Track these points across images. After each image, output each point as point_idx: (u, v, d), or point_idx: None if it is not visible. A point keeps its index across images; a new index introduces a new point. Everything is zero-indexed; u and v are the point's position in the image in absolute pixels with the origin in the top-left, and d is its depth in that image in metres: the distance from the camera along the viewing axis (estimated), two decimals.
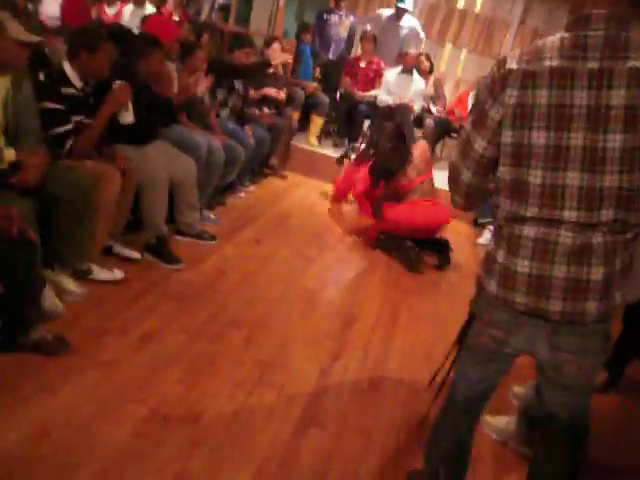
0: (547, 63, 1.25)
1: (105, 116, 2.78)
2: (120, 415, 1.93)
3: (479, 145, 1.37)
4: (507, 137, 1.32)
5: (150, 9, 5.48)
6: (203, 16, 7.14)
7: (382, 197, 4.13)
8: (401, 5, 6.06)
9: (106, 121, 2.79)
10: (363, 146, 4.78)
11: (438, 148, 6.31)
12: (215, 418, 2.03)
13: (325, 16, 6.25)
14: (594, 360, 1.40)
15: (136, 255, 3.02)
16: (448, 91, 6.84)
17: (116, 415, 1.93)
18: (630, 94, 1.20)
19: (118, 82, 2.81)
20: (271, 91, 4.95)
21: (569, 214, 1.28)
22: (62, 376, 2.05)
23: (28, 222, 2.06)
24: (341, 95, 6.14)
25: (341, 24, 6.25)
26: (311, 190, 5.21)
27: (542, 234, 1.31)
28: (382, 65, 6.04)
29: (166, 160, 3.19)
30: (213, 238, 3.53)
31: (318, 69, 6.13)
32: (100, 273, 2.72)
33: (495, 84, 1.32)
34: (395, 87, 5.87)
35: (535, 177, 1.29)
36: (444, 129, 5.92)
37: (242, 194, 4.56)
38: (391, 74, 5.92)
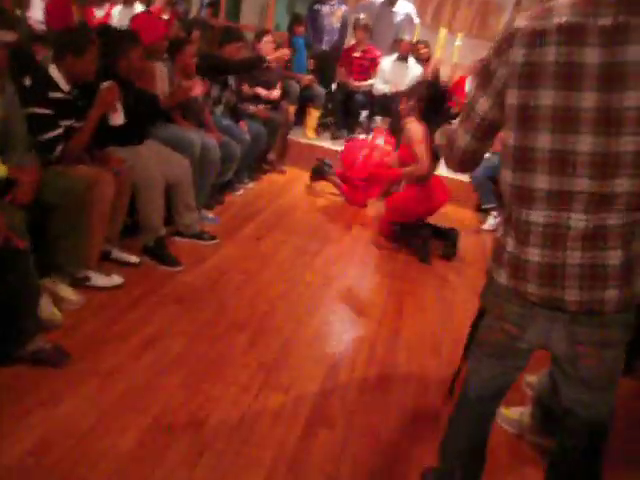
0: (556, 20, 1.17)
1: (95, 118, 2.72)
2: (123, 425, 1.89)
3: (481, 106, 1.30)
4: (512, 98, 1.23)
5: (139, 9, 5.39)
6: (192, 13, 7.06)
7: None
8: None
9: (96, 123, 2.72)
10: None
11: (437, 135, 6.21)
12: (220, 423, 1.97)
13: (316, 7, 6.17)
14: (615, 353, 1.32)
15: (134, 259, 2.97)
16: (444, 77, 6.74)
17: (119, 425, 1.88)
18: None
19: (105, 83, 2.75)
20: (262, 92, 4.89)
21: (582, 183, 1.18)
22: (62, 387, 2.00)
23: (18, 230, 2.01)
24: (337, 85, 6.07)
25: (333, 14, 6.17)
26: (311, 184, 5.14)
27: (552, 219, 1.23)
28: (378, 53, 5.95)
29: (160, 160, 3.13)
30: (213, 238, 3.47)
31: (312, 61, 6.06)
32: (98, 279, 2.68)
33: (502, 42, 1.24)
34: (391, 75, 5.79)
35: (543, 142, 1.20)
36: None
37: (241, 191, 4.50)
38: (386, 62, 5.85)
